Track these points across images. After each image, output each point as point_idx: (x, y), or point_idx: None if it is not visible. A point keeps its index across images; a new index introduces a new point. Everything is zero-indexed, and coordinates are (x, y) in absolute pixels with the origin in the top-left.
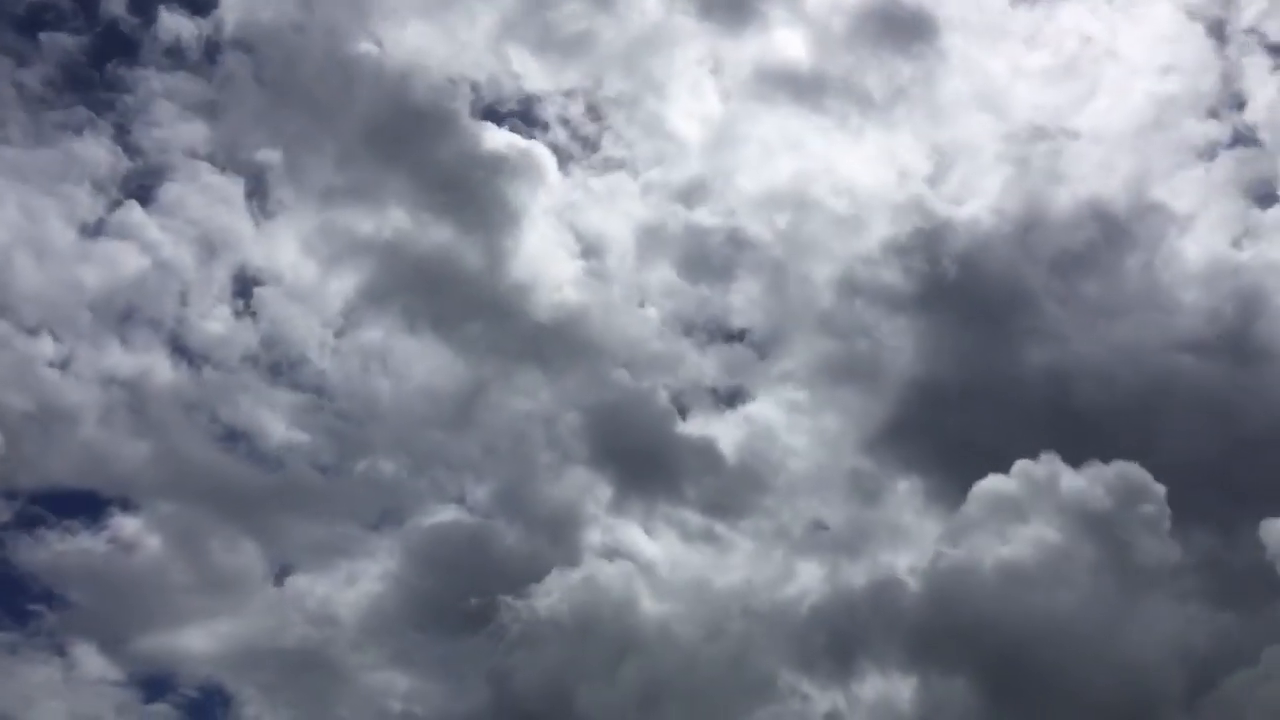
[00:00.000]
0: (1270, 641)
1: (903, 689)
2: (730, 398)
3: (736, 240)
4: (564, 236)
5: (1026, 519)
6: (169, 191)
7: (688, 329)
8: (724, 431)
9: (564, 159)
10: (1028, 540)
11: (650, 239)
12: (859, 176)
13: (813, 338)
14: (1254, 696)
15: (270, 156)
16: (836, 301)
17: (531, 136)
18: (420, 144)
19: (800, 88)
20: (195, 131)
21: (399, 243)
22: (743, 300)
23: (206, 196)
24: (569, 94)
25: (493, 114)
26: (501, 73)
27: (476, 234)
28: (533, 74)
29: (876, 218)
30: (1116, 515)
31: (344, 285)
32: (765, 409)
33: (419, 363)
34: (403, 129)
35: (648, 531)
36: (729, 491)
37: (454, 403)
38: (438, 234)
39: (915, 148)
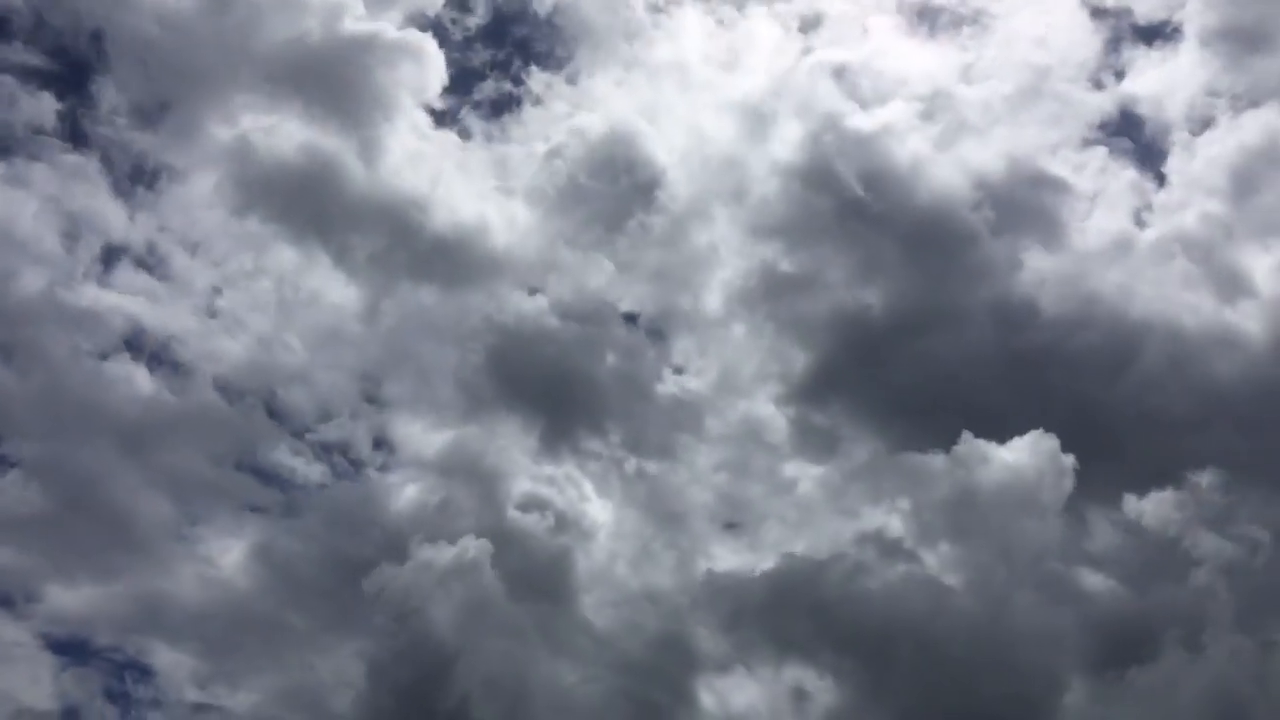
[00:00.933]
0: (1172, 625)
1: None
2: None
3: (646, 167)
4: (452, 139)
5: (921, 496)
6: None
7: (593, 261)
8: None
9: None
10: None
11: (550, 153)
12: None
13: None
14: (1153, 683)
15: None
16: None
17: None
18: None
19: None
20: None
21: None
22: (662, 222)
23: (58, 171)
24: None
25: None
26: None
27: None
28: None
29: None
30: (1013, 492)
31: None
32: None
33: (303, 284)
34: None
35: (571, 478)
36: (661, 428)
37: (352, 329)
38: (301, 134)
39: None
